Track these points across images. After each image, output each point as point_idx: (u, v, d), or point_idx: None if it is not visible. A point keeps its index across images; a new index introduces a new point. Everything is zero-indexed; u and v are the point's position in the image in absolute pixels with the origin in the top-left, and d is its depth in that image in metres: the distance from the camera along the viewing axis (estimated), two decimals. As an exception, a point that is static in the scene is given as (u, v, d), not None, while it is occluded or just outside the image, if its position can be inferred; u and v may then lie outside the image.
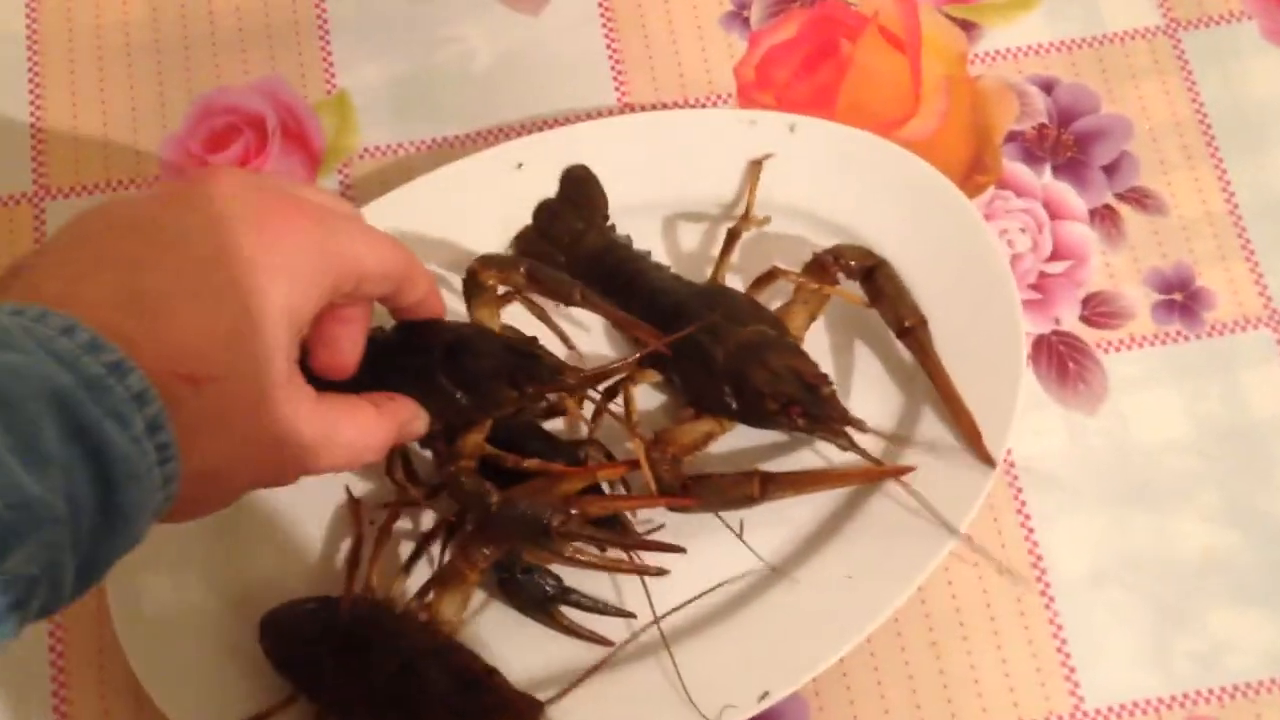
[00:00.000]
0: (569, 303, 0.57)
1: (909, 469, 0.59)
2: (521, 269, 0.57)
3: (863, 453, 0.59)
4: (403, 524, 0.61)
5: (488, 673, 0.51)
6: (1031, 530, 0.63)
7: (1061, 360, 0.66)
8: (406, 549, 0.60)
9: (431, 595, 0.55)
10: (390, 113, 0.72)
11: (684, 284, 0.63)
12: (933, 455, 0.61)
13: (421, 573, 0.59)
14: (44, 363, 0.36)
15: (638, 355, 0.57)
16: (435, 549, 0.59)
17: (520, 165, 0.66)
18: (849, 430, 0.58)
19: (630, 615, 0.59)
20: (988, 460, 0.60)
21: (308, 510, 0.62)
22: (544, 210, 0.65)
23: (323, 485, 0.61)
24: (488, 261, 0.58)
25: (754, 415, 0.59)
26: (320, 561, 0.61)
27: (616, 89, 0.72)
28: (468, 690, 0.51)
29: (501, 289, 0.58)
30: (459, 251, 0.65)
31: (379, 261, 0.48)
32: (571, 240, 0.64)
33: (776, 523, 0.61)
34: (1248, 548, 0.63)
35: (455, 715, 0.51)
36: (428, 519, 0.61)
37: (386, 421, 0.50)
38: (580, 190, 0.65)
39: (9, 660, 0.61)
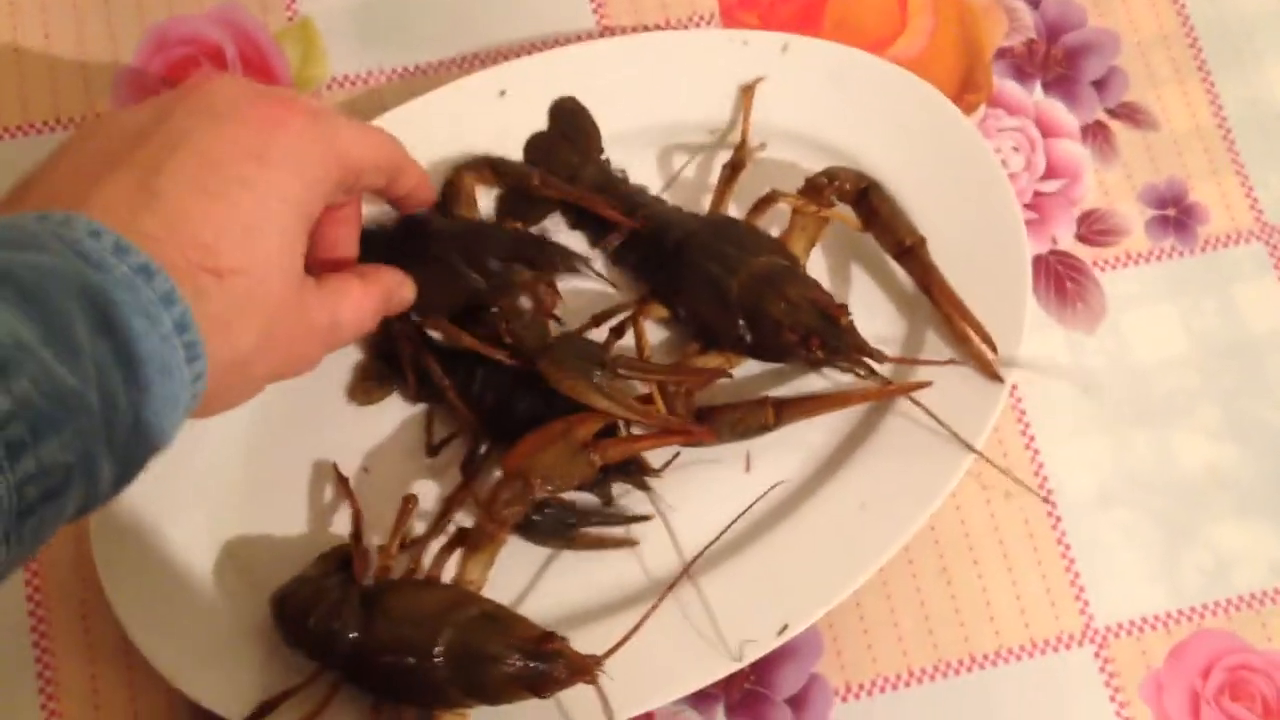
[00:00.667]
0: (529, 187, 0.60)
1: (924, 384, 0.58)
2: (487, 165, 0.61)
3: (883, 381, 0.58)
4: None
5: (547, 636, 0.50)
6: (1037, 451, 0.63)
7: (1060, 280, 0.66)
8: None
9: (459, 557, 0.53)
10: (358, 40, 0.68)
11: (688, 216, 0.60)
12: (940, 380, 0.60)
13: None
14: (73, 263, 0.37)
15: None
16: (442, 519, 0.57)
17: (503, 93, 0.63)
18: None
19: (646, 518, 0.58)
20: (995, 377, 0.59)
21: (308, 467, 0.59)
22: (536, 144, 0.63)
23: (322, 442, 0.59)
24: (459, 167, 0.62)
25: (770, 348, 0.57)
26: (323, 522, 0.59)
27: (594, 10, 0.69)
28: (533, 657, 0.49)
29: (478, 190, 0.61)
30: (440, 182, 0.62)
31: (375, 154, 0.50)
32: (568, 176, 0.61)
33: (789, 453, 0.60)
34: (1249, 461, 0.63)
35: (526, 684, 0.49)
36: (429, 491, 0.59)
37: (374, 292, 0.52)
38: (572, 123, 0.63)
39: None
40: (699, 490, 0.59)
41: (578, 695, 0.52)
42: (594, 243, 0.62)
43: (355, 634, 0.51)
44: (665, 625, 0.55)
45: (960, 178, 0.63)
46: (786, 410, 0.57)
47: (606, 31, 0.69)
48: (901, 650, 0.60)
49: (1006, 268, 0.61)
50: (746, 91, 0.64)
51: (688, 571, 0.55)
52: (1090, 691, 0.59)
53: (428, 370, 0.58)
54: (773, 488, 0.59)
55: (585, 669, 0.49)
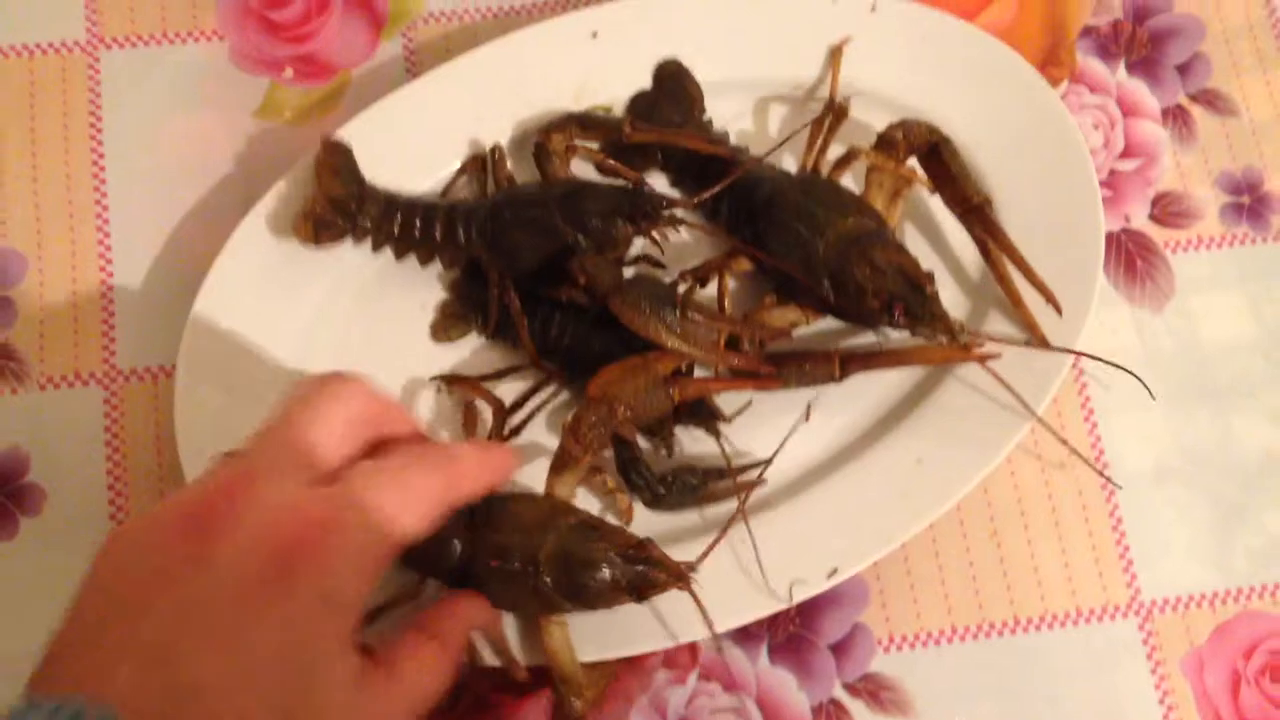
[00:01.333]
0: (623, 136, 0.61)
1: (993, 355, 0.59)
2: (574, 122, 0.62)
3: (961, 351, 0.58)
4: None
5: (644, 543, 0.51)
6: (1095, 425, 0.63)
7: (1130, 258, 0.66)
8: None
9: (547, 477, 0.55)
10: (455, -23, 0.69)
11: (781, 173, 0.61)
12: (1005, 346, 0.60)
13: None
14: None
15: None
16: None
17: (595, 34, 0.65)
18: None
19: (766, 463, 0.58)
20: (1044, 344, 0.59)
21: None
22: (639, 103, 0.64)
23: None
24: (547, 128, 0.62)
25: (852, 310, 0.58)
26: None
27: (686, -36, 0.70)
28: (633, 563, 0.51)
29: (568, 146, 0.62)
30: (529, 122, 0.64)
31: (425, 519, 0.46)
32: None
33: (848, 406, 0.61)
34: (1307, 449, 0.63)
35: (628, 588, 0.51)
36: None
37: (448, 652, 0.49)
38: (675, 84, 0.64)
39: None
40: (764, 437, 0.59)
41: (628, 613, 0.53)
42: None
43: (463, 543, 0.52)
44: (719, 560, 0.56)
45: (1041, 147, 0.63)
46: (854, 364, 0.58)
47: (698, -16, 0.69)
48: (947, 607, 0.60)
49: (1080, 239, 0.61)
50: (835, 51, 0.65)
51: (743, 510, 0.56)
52: (1132, 662, 0.60)
53: (508, 310, 0.60)
54: (819, 454, 0.60)
55: (680, 574, 0.51)
